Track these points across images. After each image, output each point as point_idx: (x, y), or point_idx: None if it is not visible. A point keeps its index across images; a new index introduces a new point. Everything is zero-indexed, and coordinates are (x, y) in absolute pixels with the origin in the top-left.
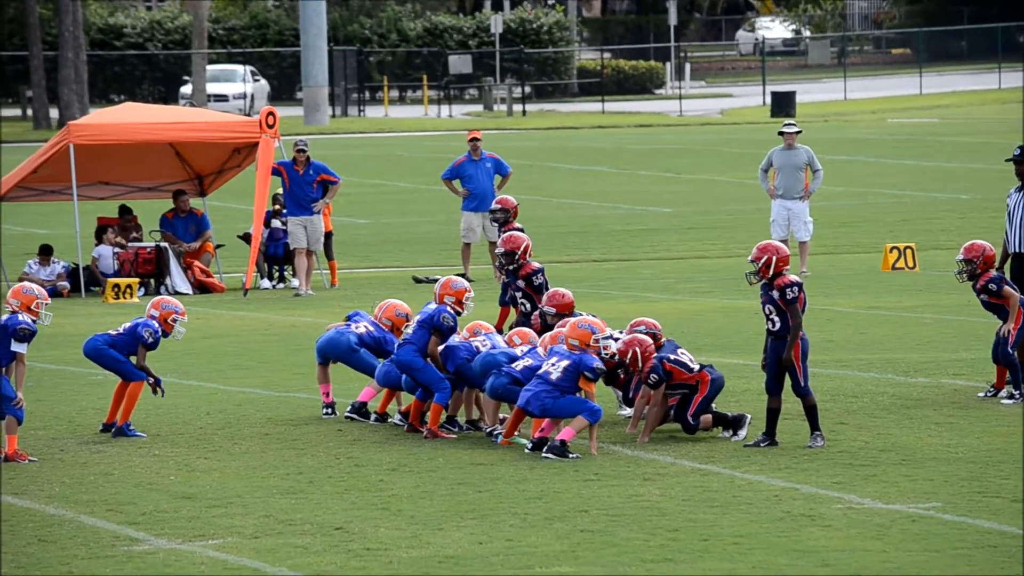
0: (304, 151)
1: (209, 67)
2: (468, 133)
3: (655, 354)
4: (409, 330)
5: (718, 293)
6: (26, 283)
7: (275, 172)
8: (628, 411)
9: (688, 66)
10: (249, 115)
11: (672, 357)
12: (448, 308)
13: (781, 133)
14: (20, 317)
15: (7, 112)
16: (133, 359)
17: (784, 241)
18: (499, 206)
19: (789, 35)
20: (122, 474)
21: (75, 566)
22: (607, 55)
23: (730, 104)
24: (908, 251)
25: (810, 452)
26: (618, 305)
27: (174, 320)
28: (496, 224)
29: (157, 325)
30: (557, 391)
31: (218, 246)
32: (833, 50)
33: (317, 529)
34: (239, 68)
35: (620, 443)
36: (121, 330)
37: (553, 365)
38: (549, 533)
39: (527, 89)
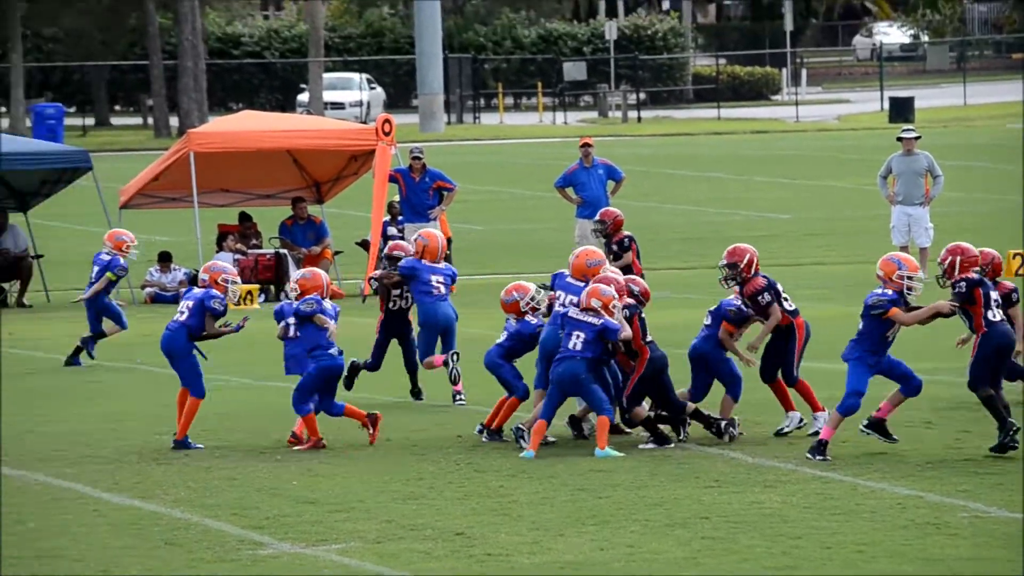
0: (420, 158)
1: (326, 75)
2: (580, 139)
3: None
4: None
5: (837, 300)
6: (217, 261)
7: (392, 179)
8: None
9: (804, 72)
10: (365, 123)
11: (642, 315)
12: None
13: (900, 139)
14: (214, 292)
15: (128, 121)
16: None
17: (904, 248)
18: (600, 218)
19: (907, 40)
20: (245, 479)
21: (201, 569)
22: (722, 61)
23: (847, 110)
24: (1017, 258)
25: (935, 460)
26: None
27: (224, 281)
28: (598, 235)
29: (218, 292)
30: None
31: (336, 252)
32: (952, 55)
33: (438, 534)
34: (355, 76)
35: (740, 450)
36: (186, 314)
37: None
38: (670, 540)
39: (642, 95)
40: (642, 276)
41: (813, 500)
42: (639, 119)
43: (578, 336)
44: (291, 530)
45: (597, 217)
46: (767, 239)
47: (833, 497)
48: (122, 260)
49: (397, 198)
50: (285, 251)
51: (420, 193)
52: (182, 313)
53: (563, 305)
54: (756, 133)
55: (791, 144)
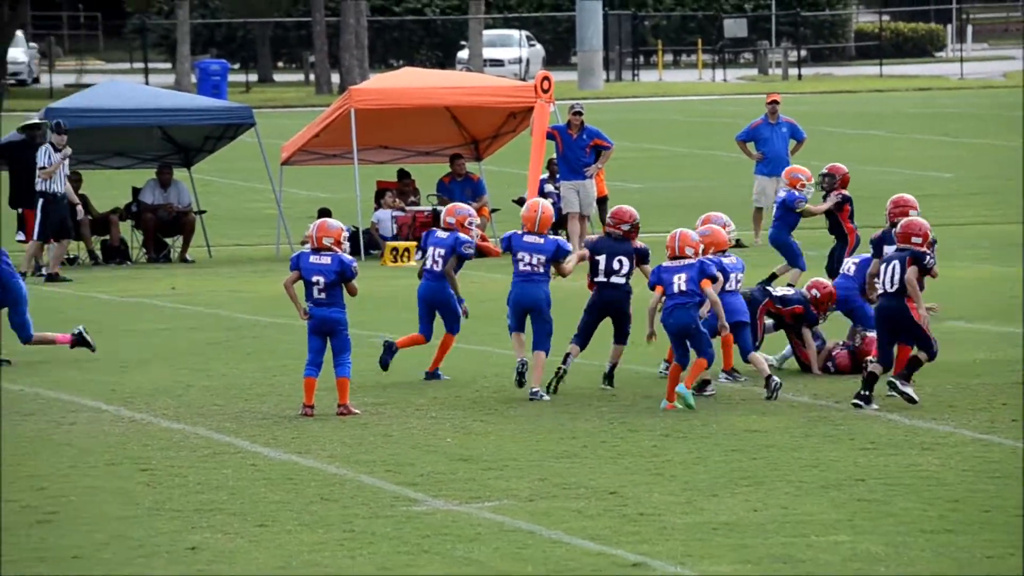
0: (580, 114)
1: (485, 32)
2: (767, 96)
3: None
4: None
5: (999, 260)
6: (459, 204)
7: (549, 136)
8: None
9: (970, 28)
10: (524, 80)
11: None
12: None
13: None
14: (463, 236)
15: (291, 77)
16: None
17: None
18: (828, 172)
19: None
20: (401, 436)
21: (356, 524)
22: (886, 17)
23: (1014, 67)
24: None
25: None
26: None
27: (470, 224)
28: (823, 191)
29: (467, 237)
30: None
31: (494, 210)
32: None
33: (591, 493)
34: (515, 33)
35: (898, 411)
36: (440, 262)
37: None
38: (825, 501)
39: (803, 53)
40: (855, 237)
41: (972, 463)
42: (799, 76)
43: (680, 278)
44: (445, 487)
45: (825, 170)
46: (928, 198)
47: (992, 460)
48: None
49: (555, 156)
50: (443, 208)
51: (577, 150)
52: (436, 262)
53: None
54: (919, 91)
55: (955, 102)
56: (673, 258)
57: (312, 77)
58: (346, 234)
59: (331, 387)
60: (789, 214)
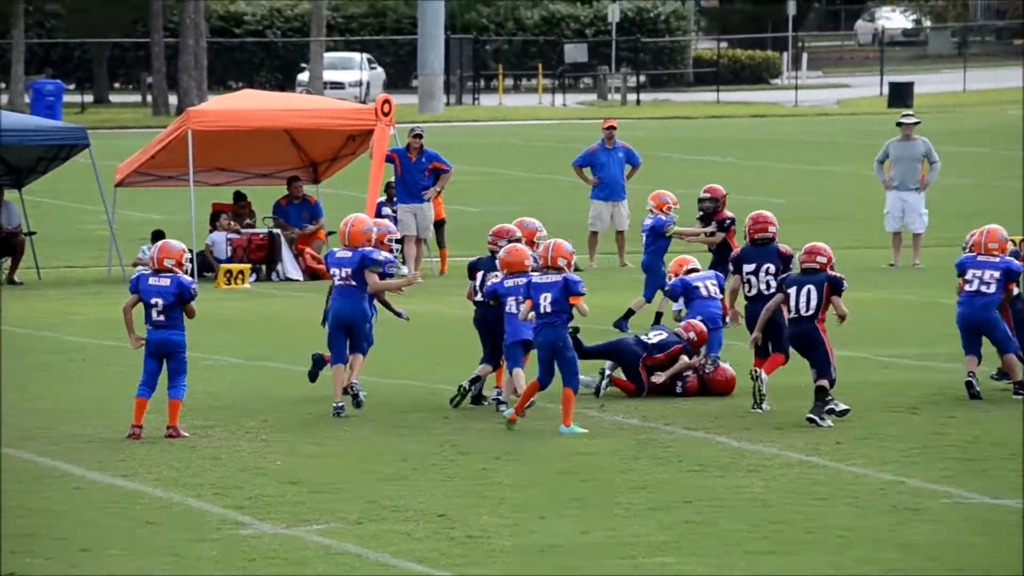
0: (420, 137)
1: (326, 55)
2: (604, 121)
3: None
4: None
5: None
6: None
7: (388, 159)
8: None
9: (805, 56)
10: (365, 103)
11: None
12: None
13: (899, 124)
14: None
15: (128, 99)
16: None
17: (897, 233)
18: (708, 195)
19: (909, 25)
20: (229, 458)
21: (181, 549)
22: (724, 45)
23: (847, 95)
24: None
25: (919, 446)
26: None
27: (390, 240)
28: (703, 214)
29: (381, 251)
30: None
31: (330, 233)
32: (954, 40)
33: (420, 516)
34: (356, 56)
35: (726, 434)
36: (346, 277)
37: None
38: (652, 523)
39: (642, 78)
40: None
41: (796, 485)
42: (638, 102)
43: (546, 298)
44: (273, 510)
45: (705, 193)
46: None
47: (816, 482)
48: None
49: (393, 179)
50: (278, 231)
51: (416, 173)
52: (345, 280)
53: None
54: (755, 117)
55: (789, 128)
56: (545, 268)
57: (150, 98)
58: (188, 256)
59: (160, 410)
60: (660, 239)
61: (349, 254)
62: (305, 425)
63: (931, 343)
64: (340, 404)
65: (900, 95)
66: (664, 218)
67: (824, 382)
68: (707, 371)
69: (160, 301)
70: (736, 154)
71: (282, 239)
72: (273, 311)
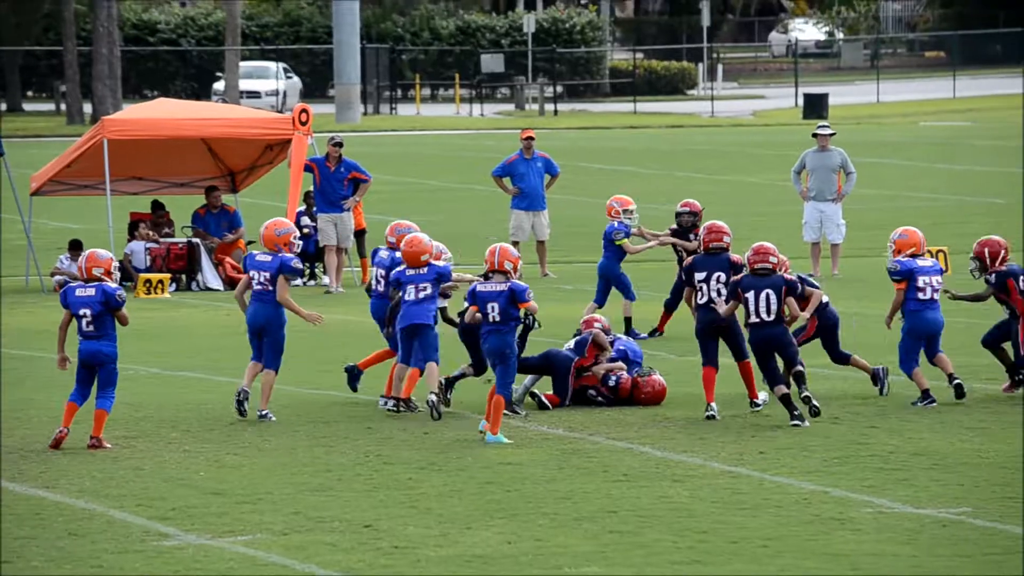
0: (340, 146)
1: (242, 64)
2: (522, 132)
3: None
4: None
5: None
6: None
7: (307, 169)
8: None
9: (720, 67)
10: (282, 112)
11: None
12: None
13: (815, 135)
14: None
15: (41, 107)
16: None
17: (816, 244)
18: (687, 209)
19: (822, 37)
20: (152, 469)
21: (104, 560)
22: (639, 55)
23: (762, 106)
24: (940, 255)
25: (841, 455)
26: (652, 306)
27: (295, 240)
28: (680, 228)
29: (286, 253)
30: None
31: (250, 242)
32: (866, 52)
33: (346, 526)
34: (272, 65)
35: (650, 444)
36: (264, 281)
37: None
38: (578, 533)
39: (559, 89)
40: None
41: (721, 495)
42: (555, 112)
43: (493, 308)
44: (197, 521)
45: (683, 208)
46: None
47: (740, 491)
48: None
49: (312, 188)
50: (198, 240)
51: (335, 183)
52: (264, 284)
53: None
54: (671, 127)
55: (706, 139)
56: (492, 272)
57: (63, 107)
58: (116, 264)
59: (83, 420)
60: (613, 244)
61: (269, 258)
62: (229, 436)
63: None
64: (244, 390)
65: (815, 106)
66: (615, 224)
67: (800, 368)
68: (642, 378)
69: (88, 311)
70: (654, 164)
71: (201, 248)
72: (193, 321)
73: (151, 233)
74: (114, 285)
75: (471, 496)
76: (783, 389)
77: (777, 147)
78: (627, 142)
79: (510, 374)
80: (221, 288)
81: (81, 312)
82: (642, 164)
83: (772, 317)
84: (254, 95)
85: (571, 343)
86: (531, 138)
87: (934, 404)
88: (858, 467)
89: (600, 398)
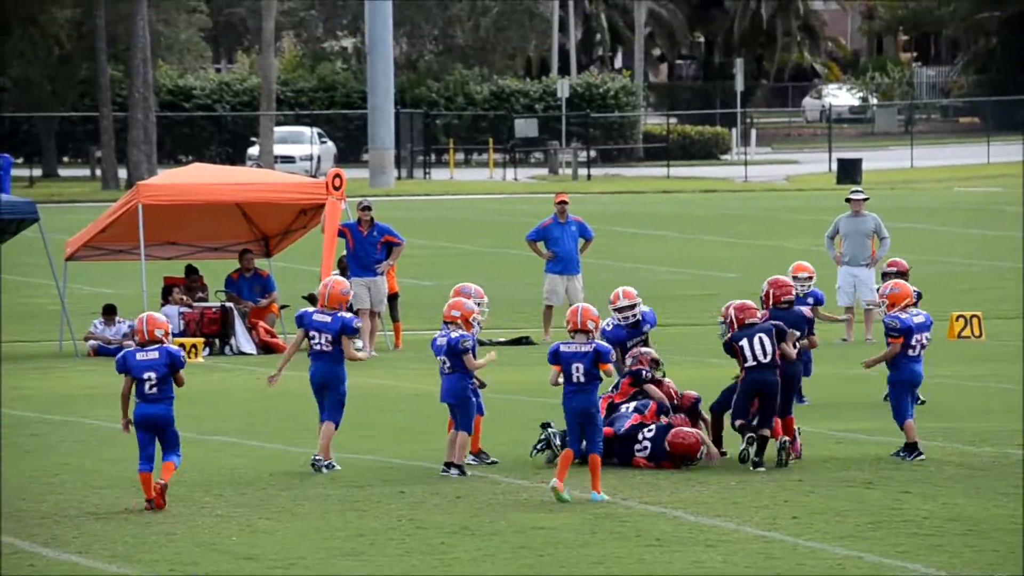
0: (369, 209)
1: (277, 129)
2: (555, 196)
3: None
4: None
5: None
6: (461, 296)
7: (340, 234)
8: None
9: (754, 132)
10: (316, 177)
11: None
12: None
13: (848, 200)
14: (456, 334)
15: (76, 172)
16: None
17: (850, 308)
18: (894, 268)
19: (856, 102)
20: (185, 534)
21: None
22: (673, 120)
23: (796, 171)
24: (974, 320)
25: (874, 520)
26: (684, 370)
27: (475, 320)
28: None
29: (466, 332)
30: None
31: (283, 307)
32: (900, 118)
33: None
34: (306, 130)
35: (683, 508)
36: (326, 342)
37: None
38: None
39: (592, 153)
40: None
41: (754, 559)
42: (589, 176)
43: (578, 368)
44: None
45: (888, 268)
46: (713, 298)
47: (774, 557)
48: None
49: (345, 253)
50: (231, 304)
51: (368, 247)
52: (323, 345)
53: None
54: (705, 192)
55: (739, 204)
56: (574, 332)
57: (99, 172)
58: (170, 327)
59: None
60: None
61: (329, 319)
62: (261, 500)
63: (885, 417)
64: (319, 457)
65: (848, 171)
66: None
67: (767, 432)
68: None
69: (153, 374)
70: (687, 229)
71: (235, 313)
72: (227, 385)
73: (185, 298)
74: (175, 347)
75: (504, 561)
76: (766, 431)
77: (811, 212)
78: (660, 206)
79: (599, 432)
80: (254, 352)
81: (146, 376)
82: (675, 228)
83: (768, 360)
84: (288, 160)
85: (630, 405)
86: (565, 202)
87: (923, 458)
88: (892, 532)
89: (645, 441)
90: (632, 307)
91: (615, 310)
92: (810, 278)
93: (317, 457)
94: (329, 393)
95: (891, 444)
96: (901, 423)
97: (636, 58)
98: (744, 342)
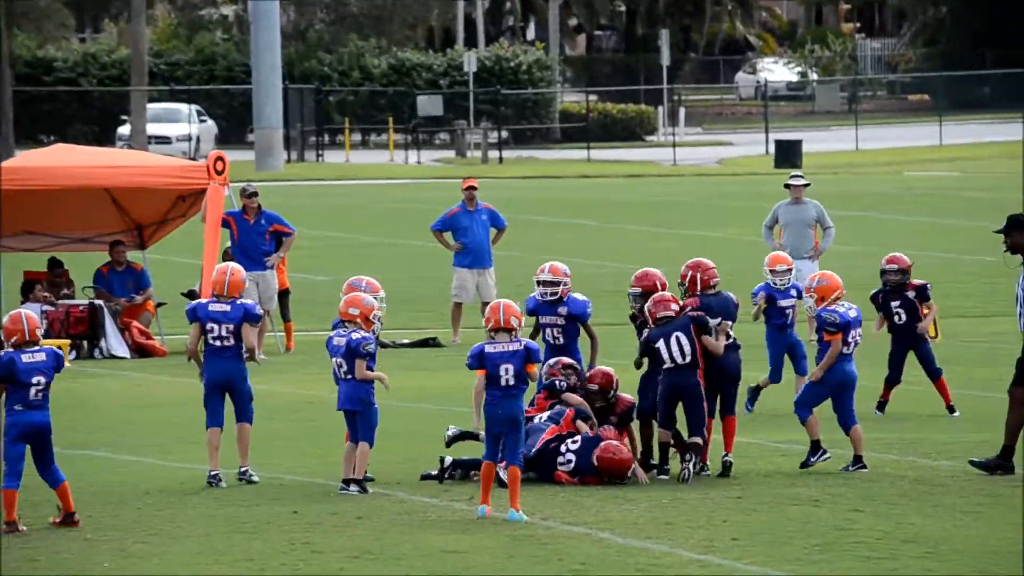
0: (255, 196)
1: (150, 106)
2: (463, 181)
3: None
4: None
5: None
6: (355, 288)
7: (224, 223)
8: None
9: (683, 110)
10: (195, 159)
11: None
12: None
13: (788, 186)
14: (358, 335)
15: None
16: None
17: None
18: (895, 266)
19: (794, 78)
20: (48, 561)
21: None
22: (593, 97)
23: (729, 153)
24: (929, 319)
25: (823, 543)
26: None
27: (376, 317)
28: (888, 286)
29: (367, 333)
30: None
31: (159, 304)
32: (843, 95)
33: None
34: (183, 107)
35: (610, 529)
36: (346, 371)
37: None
38: None
39: (504, 134)
40: None
41: None
42: (500, 159)
43: (507, 369)
44: None
45: (888, 266)
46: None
47: None
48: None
49: (229, 243)
50: (101, 302)
51: (255, 237)
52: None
53: None
54: (629, 177)
55: (667, 189)
56: (496, 330)
57: None
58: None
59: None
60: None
61: (228, 307)
62: (136, 521)
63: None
64: (214, 472)
65: (787, 154)
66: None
67: (698, 439)
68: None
69: (42, 379)
70: (610, 218)
71: (105, 311)
72: (97, 392)
73: (48, 295)
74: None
75: None
76: (696, 439)
77: (746, 198)
78: (580, 193)
79: (521, 443)
80: (127, 355)
81: (35, 380)
82: (597, 216)
83: (687, 361)
84: (163, 140)
85: (544, 415)
86: (474, 188)
87: (828, 457)
88: (842, 555)
89: (569, 454)
90: (556, 284)
91: (537, 282)
92: (789, 270)
93: (243, 469)
94: (234, 393)
95: (841, 458)
96: (803, 418)
97: (551, 28)
98: (661, 343)
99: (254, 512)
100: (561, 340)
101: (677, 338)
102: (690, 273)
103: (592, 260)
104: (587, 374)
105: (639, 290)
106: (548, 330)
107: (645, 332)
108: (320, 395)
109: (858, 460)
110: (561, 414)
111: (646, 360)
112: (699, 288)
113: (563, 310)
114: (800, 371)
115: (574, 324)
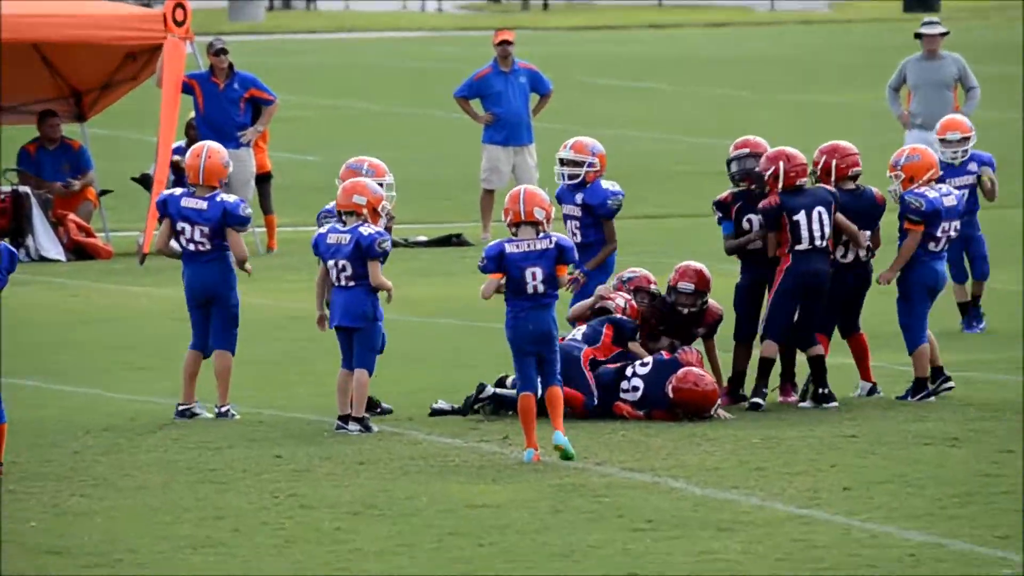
0: (225, 53)
1: None
2: (495, 34)
3: None
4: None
5: None
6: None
7: (186, 88)
8: None
9: None
10: (149, 6)
11: None
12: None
13: (919, 35)
14: (368, 229)
15: None
16: None
17: None
18: (957, 133)
19: None
20: None
21: None
22: None
23: None
24: None
25: (962, 492)
26: None
27: (384, 210)
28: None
29: (379, 228)
30: None
31: (103, 192)
32: None
33: None
34: None
35: (686, 476)
36: (349, 275)
37: None
38: None
39: None
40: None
41: (788, 550)
42: (545, 5)
43: (535, 275)
44: None
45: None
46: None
47: (816, 545)
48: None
49: (193, 114)
50: (27, 188)
51: (226, 106)
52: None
53: None
54: (712, 26)
55: (763, 44)
56: (516, 224)
57: None
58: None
59: None
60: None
61: (204, 204)
62: (73, 468)
63: (978, 347)
64: (186, 406)
65: None
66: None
67: (819, 350)
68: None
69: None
70: (687, 80)
71: (33, 200)
72: (24, 305)
73: None
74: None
75: (427, 553)
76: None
77: (866, 53)
78: (650, 48)
79: (559, 358)
80: (62, 258)
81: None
82: (670, 79)
83: (824, 244)
84: None
85: (578, 332)
86: (507, 42)
87: (949, 387)
88: (986, 510)
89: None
90: (579, 164)
91: (559, 159)
92: (966, 139)
93: (222, 406)
94: (216, 309)
95: (988, 384)
96: (915, 347)
97: None
98: (802, 215)
99: (226, 456)
100: (579, 237)
101: (819, 213)
102: (823, 159)
103: (662, 134)
104: (676, 270)
105: (746, 151)
106: (568, 222)
107: (768, 200)
108: (310, 308)
109: (921, 385)
110: (599, 332)
111: (740, 267)
112: (835, 179)
113: (579, 197)
114: (978, 274)
115: (596, 218)
